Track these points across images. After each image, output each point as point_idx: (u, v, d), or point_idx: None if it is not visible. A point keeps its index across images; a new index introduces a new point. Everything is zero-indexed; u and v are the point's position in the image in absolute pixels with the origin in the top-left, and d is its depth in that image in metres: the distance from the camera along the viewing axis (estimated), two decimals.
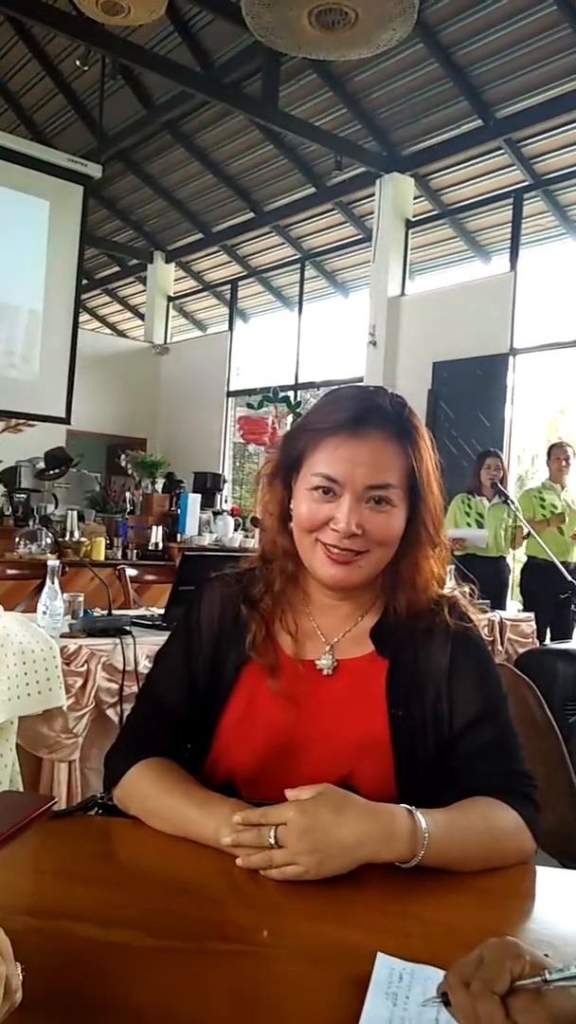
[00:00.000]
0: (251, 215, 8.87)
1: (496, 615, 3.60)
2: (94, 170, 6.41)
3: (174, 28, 6.62)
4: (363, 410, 1.01)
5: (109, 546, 4.99)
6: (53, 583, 2.52)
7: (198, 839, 0.91)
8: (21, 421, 7.72)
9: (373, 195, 7.65)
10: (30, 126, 8.40)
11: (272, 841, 0.83)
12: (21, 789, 2.05)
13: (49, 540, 4.48)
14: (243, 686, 1.04)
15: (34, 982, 0.61)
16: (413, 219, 7.75)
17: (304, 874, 0.82)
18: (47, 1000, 0.63)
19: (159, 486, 5.87)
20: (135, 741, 1.06)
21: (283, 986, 0.69)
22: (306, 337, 9.08)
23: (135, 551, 5.11)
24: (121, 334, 11.73)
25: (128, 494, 5.94)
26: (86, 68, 6.52)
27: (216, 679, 1.06)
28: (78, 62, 6.41)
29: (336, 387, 1.16)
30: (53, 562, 2.59)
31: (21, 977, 0.59)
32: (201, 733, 1.06)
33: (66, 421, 6.71)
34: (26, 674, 2.13)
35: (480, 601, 1.16)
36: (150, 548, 5.11)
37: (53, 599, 2.49)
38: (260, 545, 1.15)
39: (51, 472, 5.41)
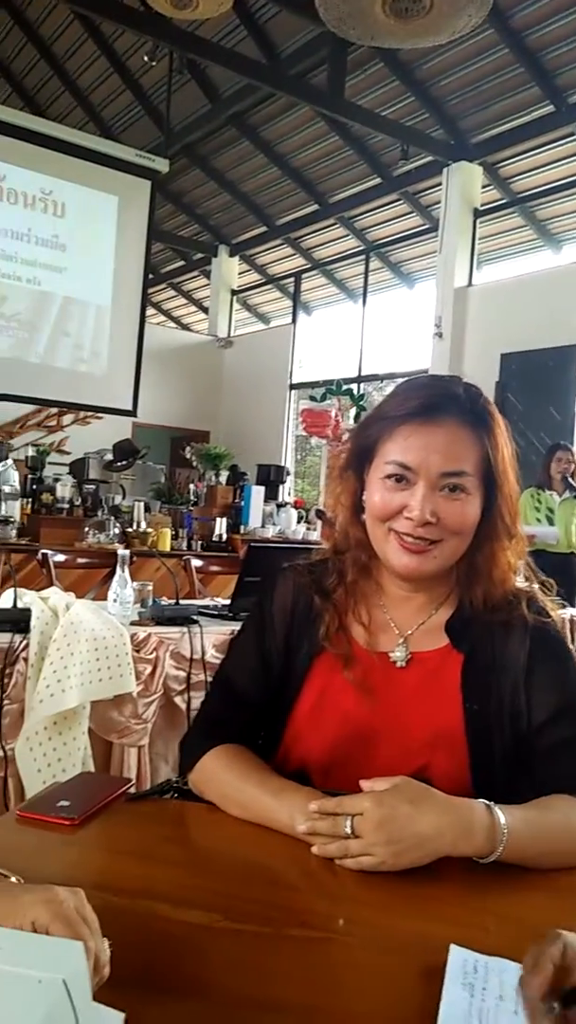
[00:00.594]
0: (315, 207, 8.84)
1: (568, 612, 3.52)
2: (161, 164, 6.49)
3: (240, 21, 6.63)
4: (437, 397, 1.00)
5: (174, 537, 5.06)
6: (123, 572, 2.57)
7: (273, 826, 0.91)
8: (89, 414, 7.90)
9: (440, 184, 7.54)
10: (98, 122, 8.54)
11: (348, 831, 0.83)
12: (93, 772, 2.10)
13: (117, 530, 4.57)
14: (316, 676, 1.05)
15: (118, 958, 0.62)
16: (481, 208, 7.62)
17: (380, 865, 0.82)
18: (130, 976, 0.65)
19: (223, 478, 5.92)
20: (209, 727, 1.07)
21: (360, 974, 0.69)
22: (370, 329, 9.03)
23: (199, 542, 5.18)
24: (185, 328, 11.85)
25: (192, 486, 6.01)
26: (154, 63, 6.58)
27: (289, 668, 1.07)
28: (146, 57, 6.48)
29: (410, 378, 1.15)
30: (123, 551, 2.64)
31: (109, 953, 0.61)
32: (274, 721, 1.06)
33: (132, 414, 6.82)
34: (98, 660, 2.18)
35: (554, 598, 1.14)
36: (214, 539, 5.16)
37: (123, 587, 2.54)
38: (332, 536, 1.15)
39: (119, 464, 5.51)
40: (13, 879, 0.71)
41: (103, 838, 0.92)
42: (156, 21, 5.49)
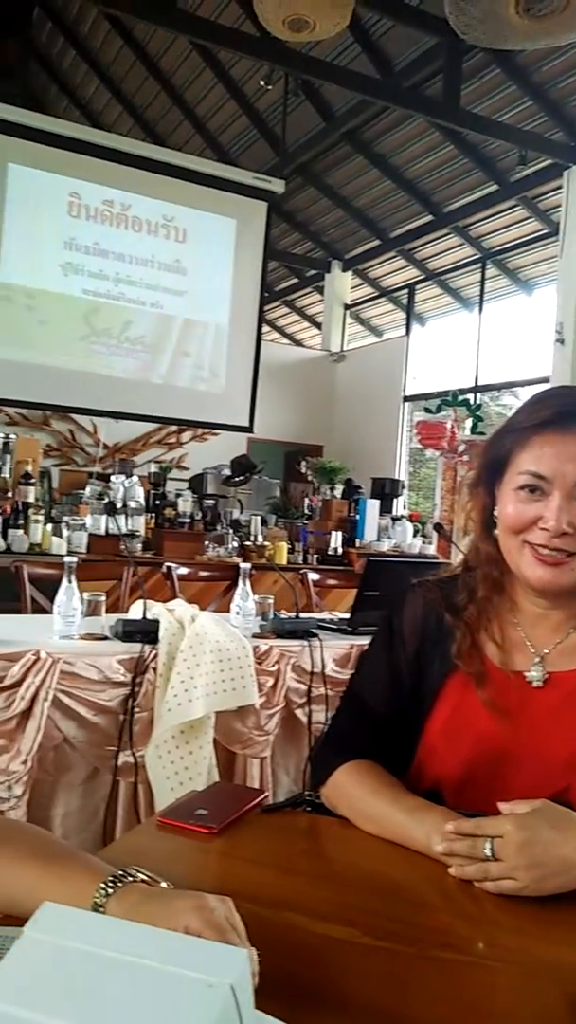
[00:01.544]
0: (430, 218, 8.77)
1: None
2: (277, 185, 6.62)
3: (354, 39, 6.70)
4: (571, 406, 0.98)
5: (290, 550, 5.12)
6: (245, 585, 2.63)
7: (408, 844, 0.91)
8: (207, 431, 8.11)
9: (560, 188, 7.32)
10: (216, 148, 8.81)
11: (488, 853, 0.82)
12: (228, 782, 2.15)
13: (235, 544, 4.66)
14: (449, 694, 1.04)
15: (262, 968, 0.64)
16: None
17: (522, 889, 0.80)
18: (275, 986, 0.66)
19: (338, 492, 5.94)
20: (340, 742, 1.08)
21: (504, 1000, 0.68)
22: (486, 338, 8.85)
23: (315, 555, 5.21)
24: (299, 344, 11.99)
25: (307, 499, 6.06)
26: (269, 87, 6.73)
27: (420, 685, 1.06)
28: (262, 82, 6.64)
29: (543, 389, 1.13)
30: (245, 565, 2.70)
31: (258, 961, 0.63)
32: (405, 737, 1.06)
33: (249, 430, 6.96)
34: (222, 671, 2.24)
35: None
36: (329, 553, 5.19)
37: (245, 600, 2.59)
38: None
39: (236, 479, 5.63)
40: (163, 884, 0.74)
41: (240, 848, 0.95)
42: (272, 46, 5.62)
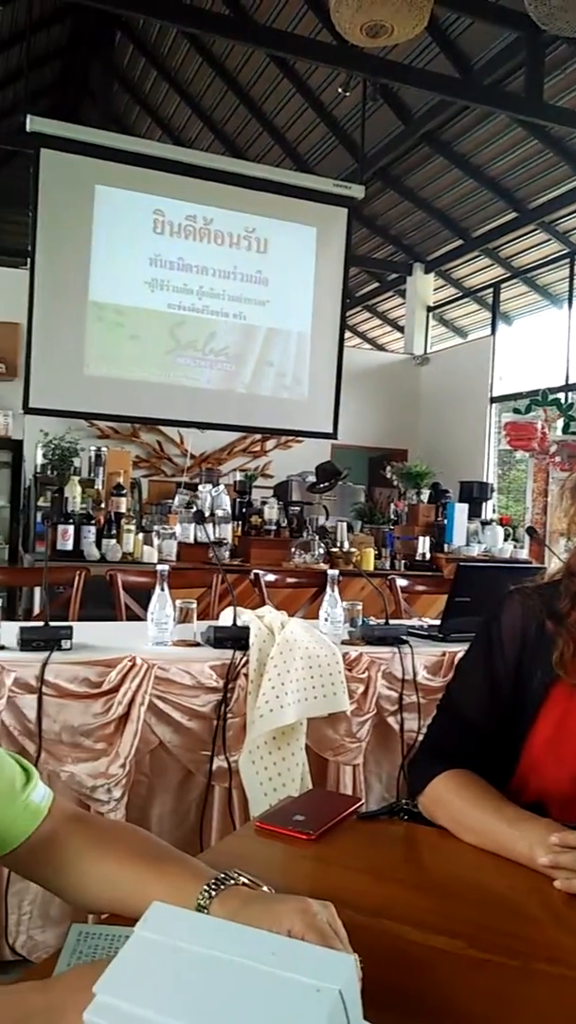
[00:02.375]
0: (514, 215, 8.59)
1: None
2: (357, 191, 6.61)
3: (432, 39, 6.64)
4: None
5: (377, 556, 5.09)
6: (333, 591, 2.63)
7: (509, 855, 0.89)
8: (291, 438, 8.16)
9: None
10: (295, 158, 8.87)
11: None
12: (310, 787, 2.15)
13: (321, 550, 4.67)
14: (553, 704, 1.01)
15: (364, 975, 0.63)
16: None
17: None
18: (377, 994, 0.66)
19: (424, 496, 5.87)
20: (437, 751, 1.06)
21: None
22: None
23: (402, 561, 5.16)
24: (380, 348, 11.92)
25: (393, 505, 6.00)
26: (347, 94, 6.74)
27: (522, 694, 1.04)
28: (340, 89, 6.65)
29: None
30: (332, 571, 2.69)
31: (361, 968, 0.62)
32: (505, 748, 1.04)
33: (333, 436, 6.96)
34: (312, 677, 2.24)
35: None
36: (417, 558, 5.12)
37: (333, 607, 2.59)
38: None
39: (321, 485, 5.63)
40: (265, 888, 0.74)
41: (338, 854, 0.95)
42: (349, 53, 5.63)
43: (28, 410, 5.70)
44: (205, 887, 0.72)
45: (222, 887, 0.72)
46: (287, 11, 6.85)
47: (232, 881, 0.73)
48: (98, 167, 5.69)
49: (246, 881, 0.73)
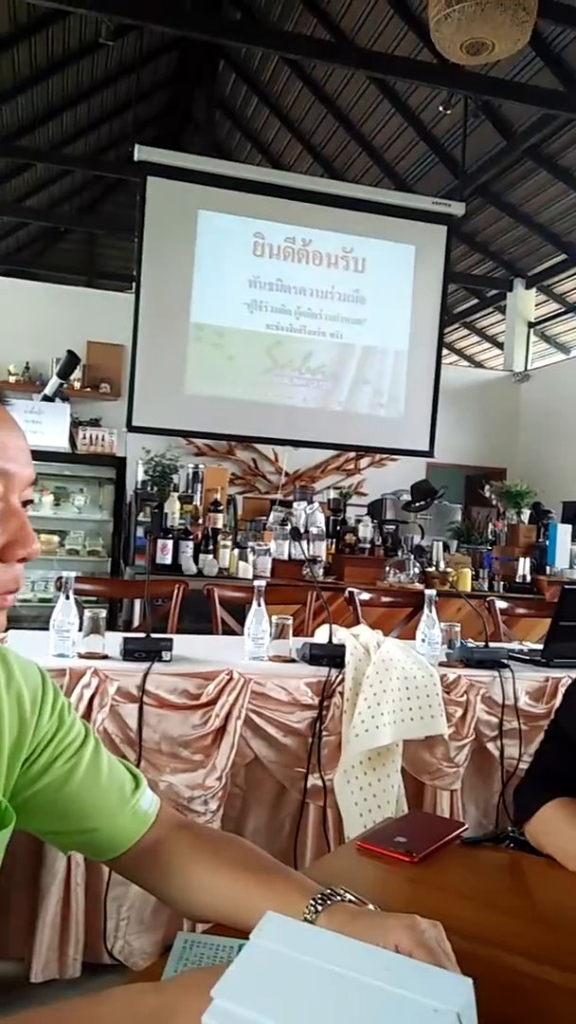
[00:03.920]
0: None
1: None
2: (458, 208, 6.56)
3: (536, 53, 6.55)
4: None
5: (474, 577, 4.98)
6: (431, 612, 2.59)
7: None
8: (385, 456, 8.12)
9: None
10: (394, 177, 8.89)
11: None
12: (406, 811, 2.12)
13: (417, 570, 4.61)
14: None
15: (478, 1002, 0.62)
16: None
17: None
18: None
19: (524, 516, 5.72)
20: (547, 778, 1.03)
21: None
22: None
23: (501, 583, 5.03)
24: (479, 365, 11.74)
25: (491, 525, 5.87)
26: (448, 112, 6.72)
27: None
28: (441, 107, 6.63)
29: None
30: (430, 591, 2.66)
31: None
32: None
33: (430, 455, 6.89)
34: (408, 699, 2.21)
35: None
36: (517, 580, 4.99)
37: (431, 627, 2.56)
38: None
39: (417, 504, 5.57)
40: (370, 907, 0.74)
41: (441, 879, 0.93)
42: (450, 71, 5.62)
43: (131, 428, 5.89)
44: (311, 901, 0.72)
45: (328, 902, 0.72)
46: (387, 33, 6.90)
47: (338, 897, 0.73)
48: (201, 193, 5.86)
49: (352, 898, 0.73)
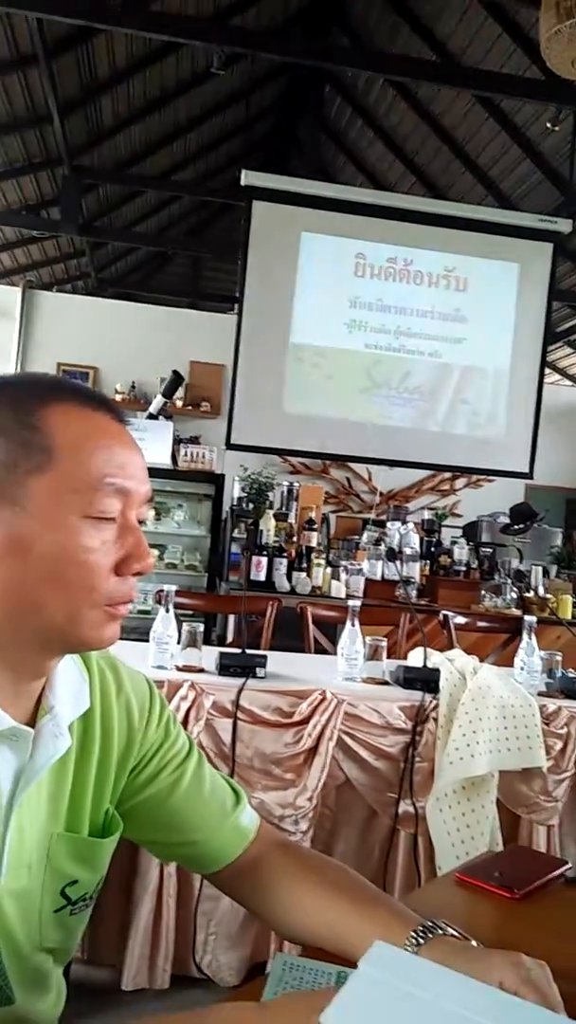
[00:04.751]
0: None
1: None
2: (564, 225, 6.42)
3: None
4: None
5: None
6: (530, 639, 2.52)
7: None
8: (481, 477, 7.97)
9: None
10: (498, 195, 8.78)
11: None
12: (500, 845, 2.06)
13: (514, 595, 4.50)
14: None
15: None
16: None
17: None
18: None
19: None
20: None
21: None
22: None
23: None
24: None
25: None
26: (556, 128, 6.60)
27: None
28: (548, 124, 6.52)
29: None
30: (530, 618, 2.59)
31: None
32: None
33: (529, 476, 6.72)
34: (506, 728, 2.16)
35: None
36: None
37: (530, 655, 2.49)
38: None
39: (515, 527, 5.44)
40: (473, 943, 0.72)
41: (544, 918, 0.90)
42: (558, 88, 5.52)
43: (230, 446, 6.00)
44: (412, 933, 0.71)
45: (429, 935, 0.71)
46: (495, 52, 6.85)
47: (440, 930, 0.71)
48: (305, 215, 5.95)
49: (453, 932, 0.72)
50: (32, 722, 0.77)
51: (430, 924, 0.72)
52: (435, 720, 2.19)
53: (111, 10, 5.32)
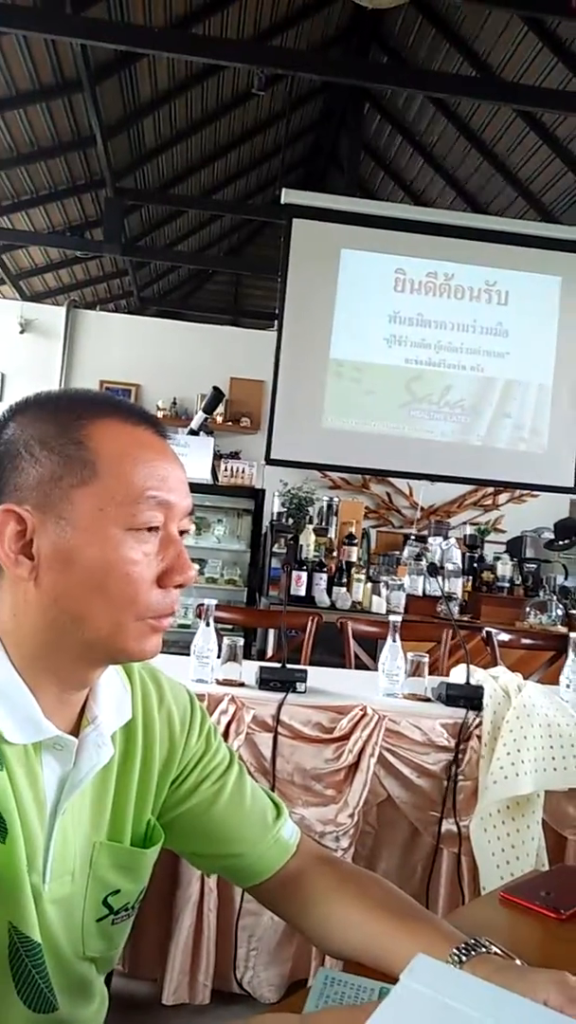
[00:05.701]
0: None
1: None
2: None
3: None
4: None
5: None
6: None
7: None
8: (525, 492, 7.87)
9: None
10: (539, 208, 8.72)
11: None
12: (546, 865, 2.02)
13: (560, 612, 4.43)
14: None
15: None
16: None
17: None
18: None
19: None
20: None
21: None
22: None
23: None
24: None
25: None
26: None
27: None
28: None
29: None
30: (575, 635, 2.54)
31: None
32: None
33: (574, 491, 6.63)
34: (551, 748, 2.12)
35: None
36: None
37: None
38: None
39: (561, 543, 5.36)
40: (517, 962, 0.71)
41: None
42: None
43: (269, 461, 6.03)
44: (455, 950, 0.70)
45: (473, 953, 0.70)
46: (535, 65, 6.83)
47: (483, 948, 0.70)
48: (344, 232, 5.98)
49: (497, 950, 0.71)
50: (76, 731, 0.78)
51: (473, 941, 0.71)
52: (478, 738, 2.15)
53: (154, 35, 5.43)
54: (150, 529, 0.73)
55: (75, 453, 0.71)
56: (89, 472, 0.71)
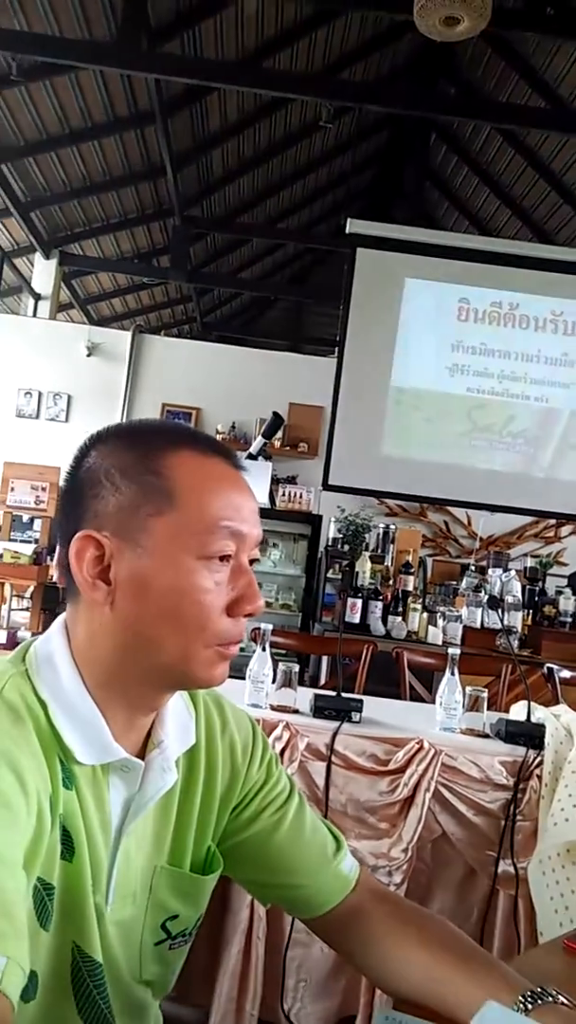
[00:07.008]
0: None
1: None
2: None
3: None
4: None
5: None
6: None
7: None
8: None
9: None
10: None
11: None
12: None
13: None
14: None
15: None
16: None
17: None
18: None
19: None
20: None
21: None
22: None
23: None
24: None
25: None
26: None
27: None
28: None
29: None
30: None
31: None
32: None
33: None
34: None
35: None
36: None
37: None
38: None
39: None
40: None
41: None
42: None
43: (327, 487, 6.03)
44: (520, 998, 0.68)
45: (539, 1002, 0.68)
46: None
47: (549, 998, 0.68)
48: (408, 261, 5.99)
49: (565, 1001, 0.69)
50: (142, 755, 0.79)
51: (540, 990, 0.69)
52: (539, 778, 2.10)
53: (226, 69, 5.57)
54: (222, 558, 0.74)
55: (153, 483, 0.73)
56: (166, 501, 0.73)
